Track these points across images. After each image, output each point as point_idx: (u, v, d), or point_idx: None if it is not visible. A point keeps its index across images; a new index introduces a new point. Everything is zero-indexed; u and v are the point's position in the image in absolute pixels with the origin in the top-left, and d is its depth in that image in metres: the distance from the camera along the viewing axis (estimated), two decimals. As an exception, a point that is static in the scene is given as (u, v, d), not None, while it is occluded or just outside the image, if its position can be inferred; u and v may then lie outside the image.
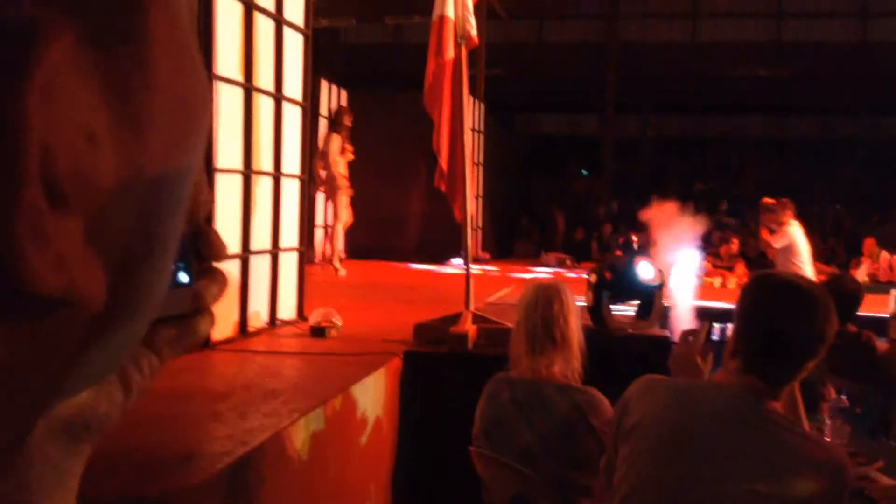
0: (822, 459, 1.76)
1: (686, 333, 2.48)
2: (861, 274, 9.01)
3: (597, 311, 4.27)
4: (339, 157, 7.95)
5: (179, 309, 0.43)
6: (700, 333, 2.45)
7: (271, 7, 4.71)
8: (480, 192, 11.90)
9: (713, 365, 2.31)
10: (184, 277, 0.44)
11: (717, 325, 2.24)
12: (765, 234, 7.70)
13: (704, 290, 8.39)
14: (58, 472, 0.40)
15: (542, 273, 9.69)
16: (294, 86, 5.04)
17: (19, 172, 0.30)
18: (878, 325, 4.65)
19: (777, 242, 7.43)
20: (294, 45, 5.03)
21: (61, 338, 0.33)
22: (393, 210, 10.72)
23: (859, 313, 4.21)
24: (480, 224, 11.93)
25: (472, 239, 4.91)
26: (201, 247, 0.45)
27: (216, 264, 0.46)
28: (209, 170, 3.99)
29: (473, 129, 11.08)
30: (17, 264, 0.30)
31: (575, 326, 2.82)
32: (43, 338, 0.33)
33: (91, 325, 0.34)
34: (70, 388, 0.37)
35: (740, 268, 9.68)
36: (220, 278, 0.45)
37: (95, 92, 0.32)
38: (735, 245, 10.17)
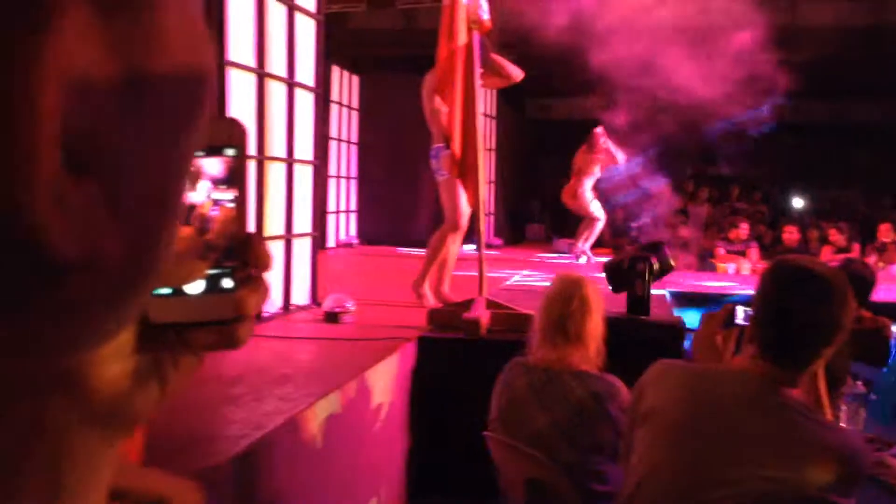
0: (836, 446, 1.75)
1: (707, 316, 2.47)
2: (875, 259, 8.93)
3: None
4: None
5: (221, 314, 0.44)
6: (720, 316, 2.43)
7: (283, -8, 4.70)
8: (492, 178, 11.86)
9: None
10: (227, 283, 0.44)
11: (743, 309, 2.24)
12: None
13: (718, 276, 8.37)
14: (90, 462, 0.41)
15: (554, 258, 9.69)
16: (306, 72, 5.03)
17: (36, 137, 0.30)
18: (893, 311, 4.61)
19: None
20: (306, 30, 5.01)
21: (79, 304, 0.33)
22: (405, 196, 10.71)
23: (874, 300, 4.18)
24: (492, 209, 11.91)
25: (484, 224, 4.90)
26: (248, 255, 0.45)
27: (259, 273, 0.46)
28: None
29: (486, 115, 11.03)
30: (39, 234, 0.30)
31: (593, 324, 2.75)
32: (61, 303, 0.32)
33: (107, 289, 0.33)
34: (84, 345, 0.36)
35: (754, 253, 9.62)
36: (262, 288, 0.45)
37: (107, 58, 0.32)
38: (745, 230, 10.06)
